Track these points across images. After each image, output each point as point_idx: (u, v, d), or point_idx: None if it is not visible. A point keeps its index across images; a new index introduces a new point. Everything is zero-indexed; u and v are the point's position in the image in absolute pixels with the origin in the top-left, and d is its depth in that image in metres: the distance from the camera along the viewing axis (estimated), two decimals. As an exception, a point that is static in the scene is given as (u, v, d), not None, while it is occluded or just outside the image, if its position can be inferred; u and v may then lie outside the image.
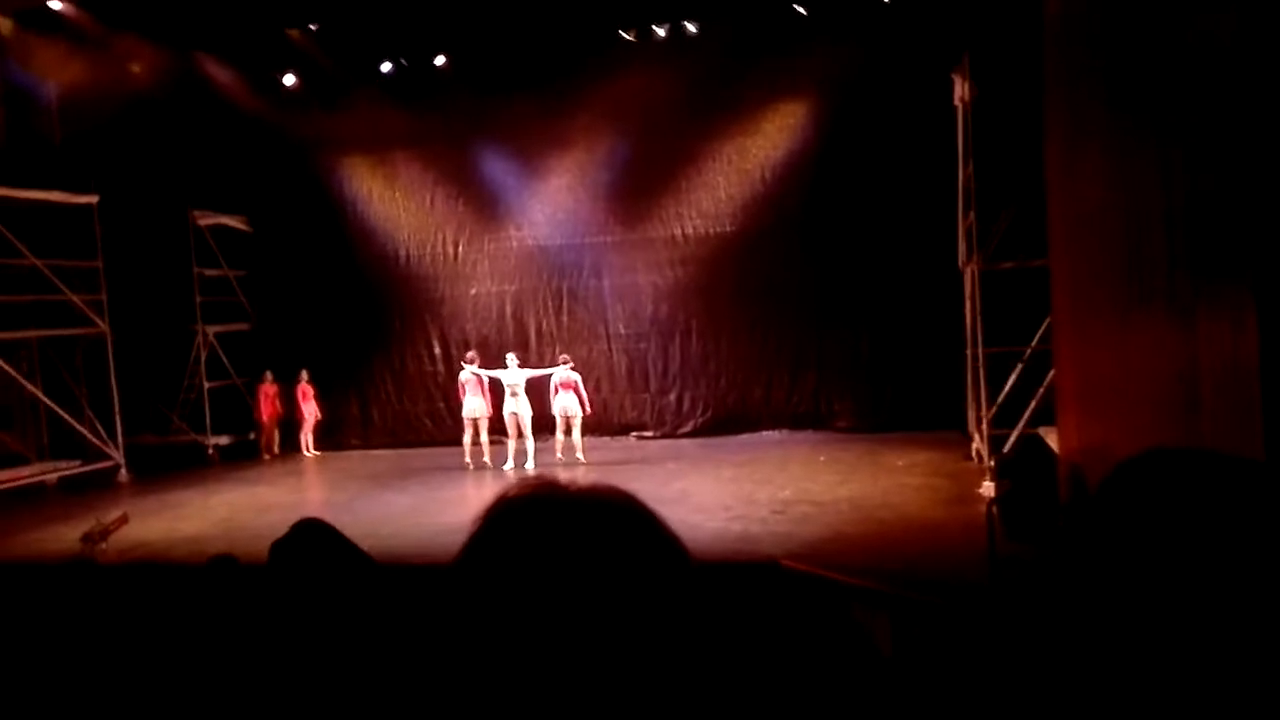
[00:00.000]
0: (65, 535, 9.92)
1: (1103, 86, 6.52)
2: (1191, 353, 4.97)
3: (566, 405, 13.61)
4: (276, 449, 16.64)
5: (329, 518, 2.26)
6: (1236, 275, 4.29)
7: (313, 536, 1.87)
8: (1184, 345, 5.08)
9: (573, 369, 13.87)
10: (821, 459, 12.99)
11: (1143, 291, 5.90)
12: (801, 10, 14.41)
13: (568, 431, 13.70)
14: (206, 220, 16.45)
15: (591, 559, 0.73)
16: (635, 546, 0.75)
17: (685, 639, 0.73)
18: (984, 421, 11.51)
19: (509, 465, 13.53)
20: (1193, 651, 0.74)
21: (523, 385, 13.66)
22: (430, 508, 10.97)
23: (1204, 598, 0.75)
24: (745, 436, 15.37)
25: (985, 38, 11.26)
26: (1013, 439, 10.79)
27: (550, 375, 13.86)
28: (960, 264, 13.01)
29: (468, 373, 14.06)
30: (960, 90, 12.19)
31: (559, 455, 13.69)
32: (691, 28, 15.16)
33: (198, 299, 16.42)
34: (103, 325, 14.94)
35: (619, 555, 0.74)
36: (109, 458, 14.94)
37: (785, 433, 15.39)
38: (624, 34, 15.29)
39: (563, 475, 0.87)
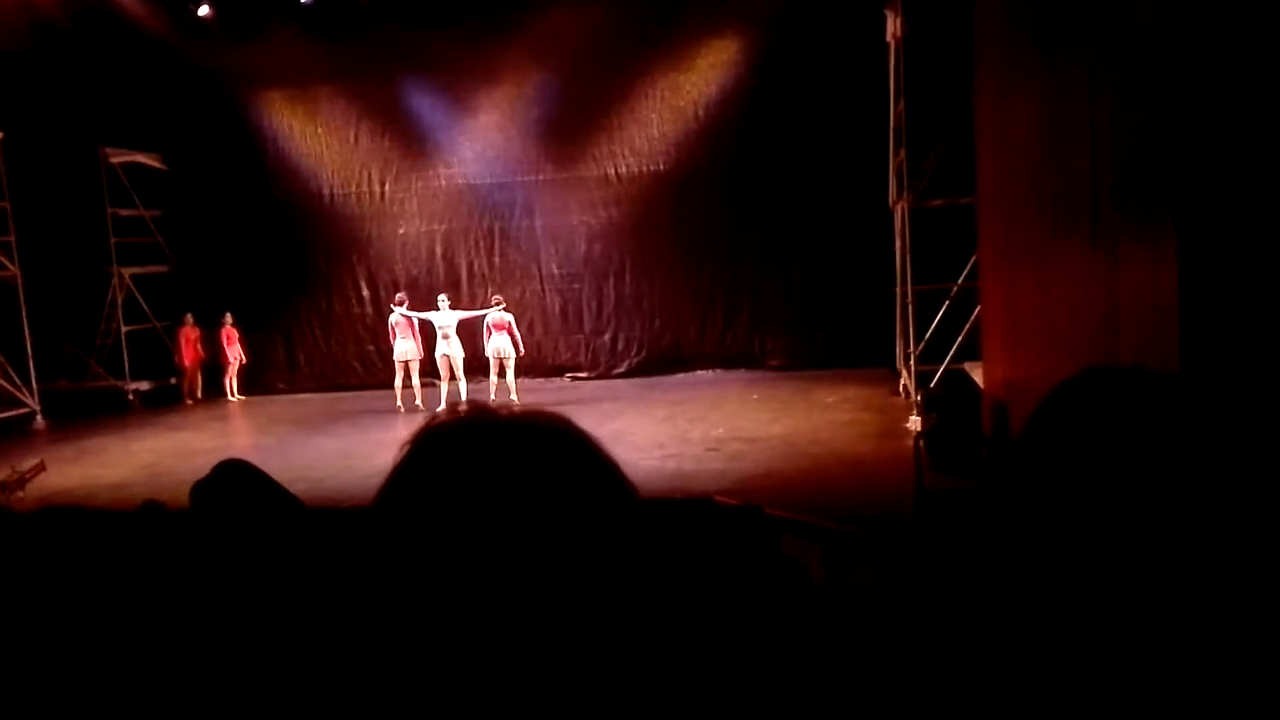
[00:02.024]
0: (-21, 485, 9.58)
1: (1032, 23, 6.55)
2: (1112, 286, 5.09)
3: (500, 347, 13.50)
4: (200, 394, 16.27)
5: (257, 461, 2.20)
6: (1158, 209, 4.39)
7: (235, 477, 1.81)
8: (1105, 278, 5.20)
9: (505, 310, 13.74)
10: (754, 397, 13.13)
11: (1066, 227, 6.02)
12: (734, -57, 14.20)
13: (501, 373, 13.62)
14: (119, 158, 15.79)
15: (526, 484, 0.70)
16: (571, 468, 0.73)
17: (625, 564, 0.71)
18: (911, 358, 11.73)
19: (442, 408, 13.39)
20: (1128, 563, 0.75)
21: (454, 327, 13.51)
22: (361, 450, 10.84)
23: (1146, 508, 0.76)
24: (679, 376, 15.45)
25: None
26: (939, 375, 11.03)
27: (483, 317, 13.72)
28: (891, 202, 13.12)
29: (397, 315, 13.84)
30: (892, 26, 12.18)
31: (492, 397, 13.61)
32: (622, -40, 14.84)
33: (112, 240, 15.82)
34: (13, 268, 14.35)
35: (555, 479, 0.71)
36: (23, 404, 14.45)
37: (719, 372, 15.49)
38: (553, -35, 14.91)
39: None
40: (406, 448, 0.75)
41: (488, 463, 0.71)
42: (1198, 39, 4.13)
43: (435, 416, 0.77)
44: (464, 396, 13.36)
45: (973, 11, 8.80)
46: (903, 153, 11.88)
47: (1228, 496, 0.75)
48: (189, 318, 16.05)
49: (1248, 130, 4.06)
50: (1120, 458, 0.77)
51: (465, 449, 0.73)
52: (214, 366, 16.23)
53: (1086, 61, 5.46)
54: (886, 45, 12.59)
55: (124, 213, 15.99)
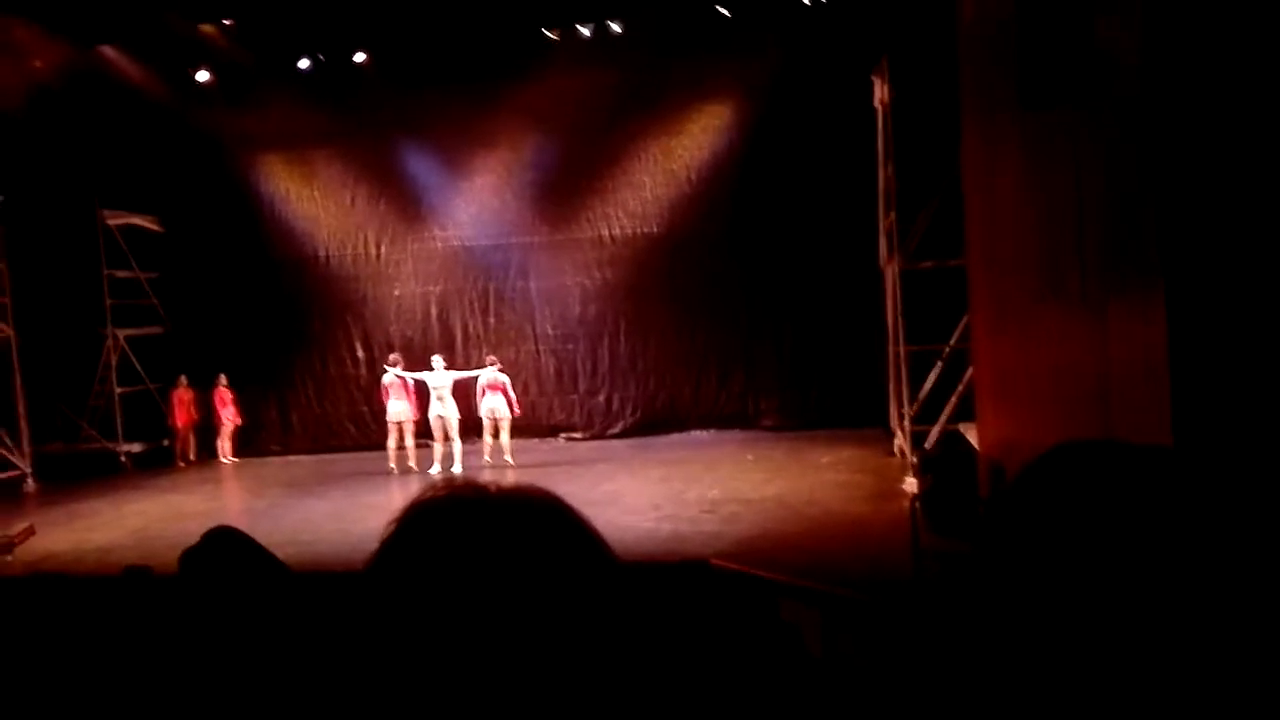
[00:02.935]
0: (-34, 549, 9.47)
1: (1016, 89, 6.68)
2: (1103, 347, 5.12)
3: (494, 407, 13.48)
4: (193, 456, 16.16)
5: (247, 525, 2.18)
6: (1146, 271, 4.43)
7: (225, 544, 1.80)
8: (1096, 340, 5.23)
9: (500, 370, 13.75)
10: (749, 458, 13.08)
11: (1056, 288, 6.07)
12: (725, 12, 14.51)
13: (495, 434, 13.57)
14: (116, 220, 15.90)
15: (513, 561, 0.70)
16: (559, 548, 0.72)
17: (612, 641, 0.70)
18: (906, 418, 11.72)
19: (435, 469, 13.35)
20: (1105, 638, 0.75)
21: (449, 388, 13.49)
22: (352, 513, 10.76)
23: (1115, 584, 0.75)
24: (674, 437, 15.41)
25: (903, 41, 11.48)
26: (934, 435, 11.02)
27: (477, 377, 13.72)
28: (881, 263, 13.23)
29: (391, 375, 13.84)
30: (880, 92, 12.41)
31: (486, 458, 13.55)
32: (616, 27, 15.15)
33: (108, 301, 15.85)
34: (7, 329, 14.36)
35: (542, 557, 0.71)
36: (14, 467, 14.35)
37: (713, 432, 15.46)
38: (548, 33, 15.21)
39: (488, 477, 0.84)
40: (393, 525, 0.75)
41: (473, 542, 0.71)
42: (1183, 104, 4.21)
43: (423, 492, 0.77)
44: (458, 458, 13.30)
45: (958, 76, 8.97)
46: (892, 215, 12.03)
47: (1203, 572, 0.75)
48: (183, 379, 16.02)
49: (1234, 193, 4.12)
50: (1090, 534, 0.78)
51: (451, 527, 0.73)
52: (207, 428, 16.16)
53: (1073, 125, 5.56)
54: (874, 110, 12.81)
55: (120, 274, 16.05)
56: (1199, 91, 4.14)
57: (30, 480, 14.41)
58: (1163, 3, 4.24)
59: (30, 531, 9.40)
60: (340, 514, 10.89)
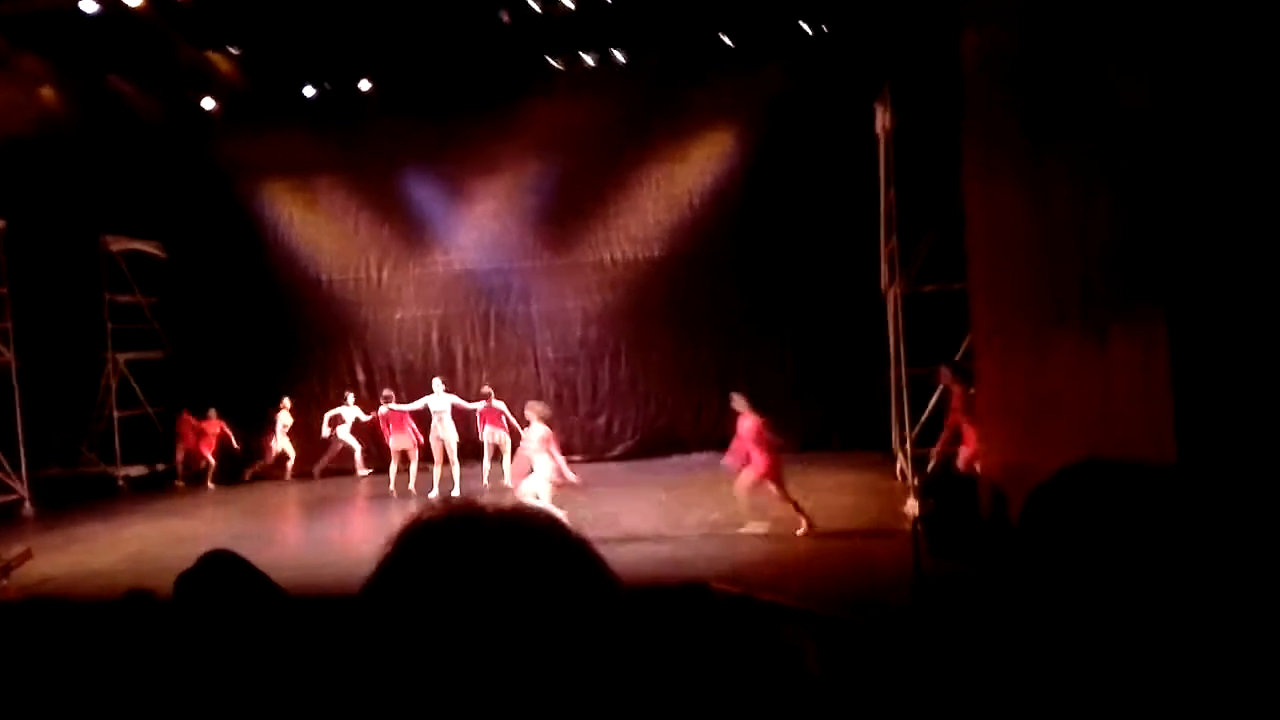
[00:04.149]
0: (-36, 573, 9.42)
1: (1020, 119, 6.71)
2: (1105, 372, 5.12)
3: (494, 433, 13.52)
4: (209, 481, 15.96)
5: (244, 549, 2.17)
6: (1148, 298, 4.44)
7: (221, 568, 1.78)
8: (1098, 365, 5.23)
9: (495, 399, 13.76)
10: (750, 482, 13.01)
11: (1058, 313, 6.07)
12: (728, 41, 14.61)
13: (496, 458, 13.57)
14: (119, 245, 15.94)
15: (510, 581, 0.69)
16: (556, 568, 0.72)
17: (612, 661, 0.69)
18: (907, 441, 11.70)
19: (434, 493, 13.32)
20: (1125, 654, 0.74)
21: (449, 411, 13.52)
22: (351, 537, 10.73)
23: (1136, 599, 0.75)
24: (674, 459, 15.35)
25: (905, 68, 11.55)
26: (936, 458, 10.99)
27: (475, 409, 13.78)
28: (883, 287, 13.25)
29: (385, 410, 13.85)
30: (882, 119, 12.47)
31: (485, 482, 13.53)
32: (620, 56, 15.26)
33: (109, 326, 15.86)
34: (8, 354, 14.34)
35: (539, 577, 0.70)
36: (12, 491, 14.29)
37: (714, 455, 15.36)
38: (553, 61, 15.32)
39: (486, 499, 0.83)
40: (391, 544, 0.75)
41: (472, 561, 0.70)
42: (1188, 141, 4.24)
43: (420, 512, 0.77)
44: (457, 481, 13.28)
45: (961, 105, 9.01)
46: (894, 239, 12.05)
47: (1223, 588, 0.74)
48: (186, 409, 15.93)
49: (1234, 220, 4.14)
50: (1115, 549, 0.77)
51: (447, 548, 0.72)
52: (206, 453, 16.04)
53: (1077, 158, 5.59)
54: (876, 137, 12.87)
55: (121, 299, 16.06)
56: (1202, 129, 4.19)
57: (28, 504, 14.35)
58: (1174, 56, 4.29)
59: (27, 555, 9.35)
60: (338, 538, 10.85)
